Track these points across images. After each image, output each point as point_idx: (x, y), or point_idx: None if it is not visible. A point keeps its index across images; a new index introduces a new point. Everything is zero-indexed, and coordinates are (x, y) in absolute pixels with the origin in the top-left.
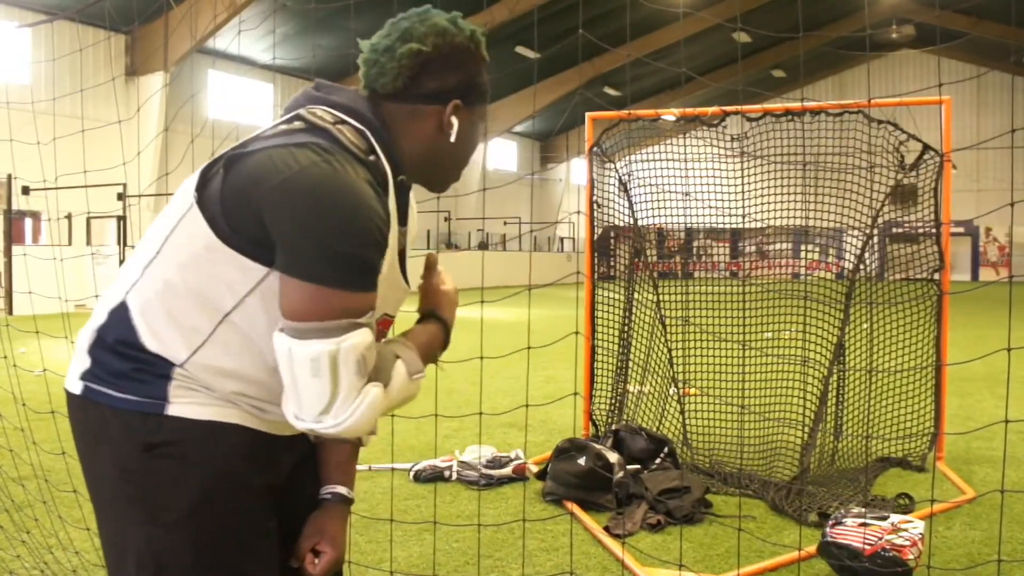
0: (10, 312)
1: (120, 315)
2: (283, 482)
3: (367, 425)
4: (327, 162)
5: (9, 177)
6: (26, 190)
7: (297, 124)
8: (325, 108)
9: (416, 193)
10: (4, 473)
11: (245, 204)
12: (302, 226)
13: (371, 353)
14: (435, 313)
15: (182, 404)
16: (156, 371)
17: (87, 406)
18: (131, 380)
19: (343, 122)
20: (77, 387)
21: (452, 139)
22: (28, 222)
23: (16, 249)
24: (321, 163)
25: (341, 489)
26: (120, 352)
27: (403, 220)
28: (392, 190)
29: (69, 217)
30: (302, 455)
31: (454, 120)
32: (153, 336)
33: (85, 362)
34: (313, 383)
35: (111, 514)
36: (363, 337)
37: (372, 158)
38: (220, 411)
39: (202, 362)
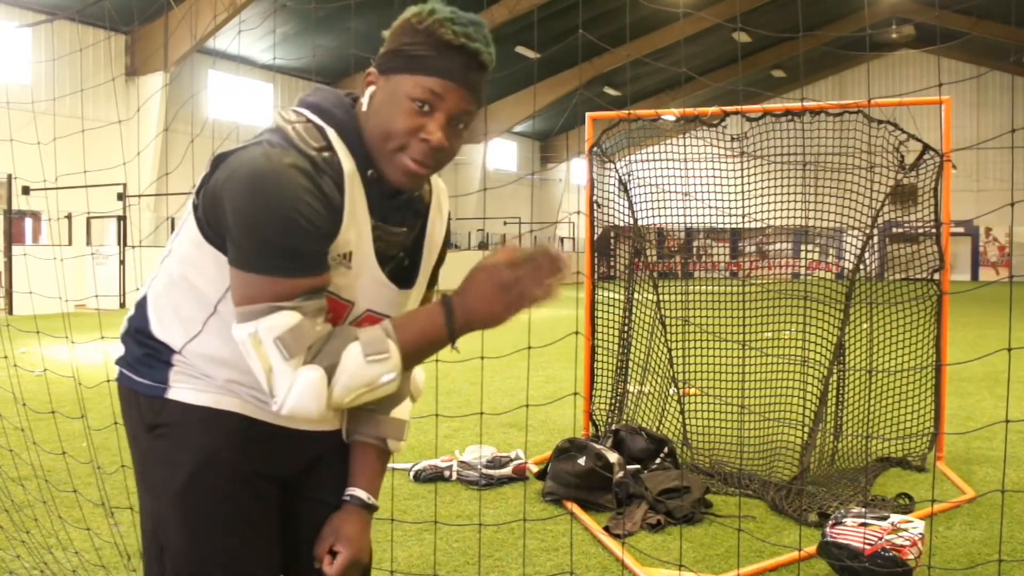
0: (10, 312)
1: (141, 307)
2: (297, 475)
3: (310, 406)
4: (265, 156)
5: (9, 177)
6: (26, 190)
7: (269, 124)
8: (296, 108)
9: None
10: (4, 473)
11: (218, 203)
12: (235, 216)
13: (296, 335)
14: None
15: (180, 389)
16: (161, 357)
17: (120, 388)
18: (144, 365)
19: (306, 120)
20: (115, 371)
21: (364, 107)
22: (28, 222)
23: (16, 249)
24: (259, 157)
25: (360, 493)
26: (138, 340)
27: (385, 217)
28: (359, 184)
29: (69, 217)
30: (322, 452)
31: (368, 91)
32: (160, 324)
33: (120, 349)
34: (252, 366)
35: (136, 481)
36: (282, 319)
37: (326, 154)
38: (218, 398)
39: (197, 350)
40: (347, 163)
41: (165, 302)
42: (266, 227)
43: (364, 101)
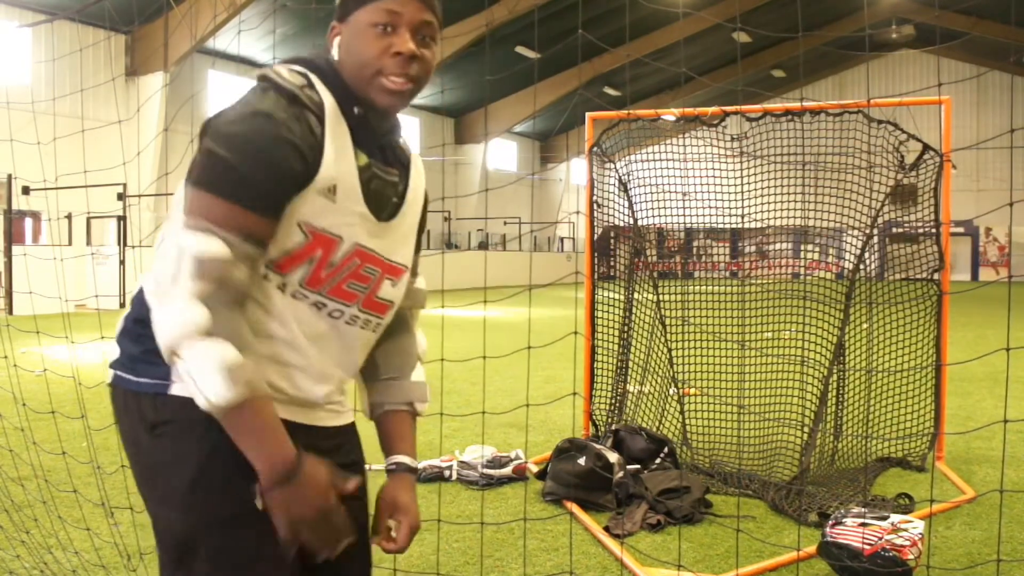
0: (10, 312)
1: (138, 298)
2: None
3: (167, 329)
4: (249, 100)
5: (9, 177)
6: (26, 190)
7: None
8: (282, 64)
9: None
10: (4, 473)
11: None
12: (210, 142)
13: (214, 266)
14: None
15: (183, 383)
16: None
17: (115, 392)
18: (143, 363)
19: (287, 67)
20: (109, 376)
21: (336, 57)
22: (28, 222)
23: (16, 249)
24: (245, 103)
25: (404, 459)
26: (136, 333)
27: (372, 154)
28: (342, 121)
29: (69, 217)
30: (327, 447)
31: (335, 42)
32: None
33: (115, 351)
34: (164, 262)
35: (141, 493)
36: (212, 245)
37: (308, 91)
38: None
39: None
40: (328, 99)
41: None
42: (238, 152)
43: (335, 52)
